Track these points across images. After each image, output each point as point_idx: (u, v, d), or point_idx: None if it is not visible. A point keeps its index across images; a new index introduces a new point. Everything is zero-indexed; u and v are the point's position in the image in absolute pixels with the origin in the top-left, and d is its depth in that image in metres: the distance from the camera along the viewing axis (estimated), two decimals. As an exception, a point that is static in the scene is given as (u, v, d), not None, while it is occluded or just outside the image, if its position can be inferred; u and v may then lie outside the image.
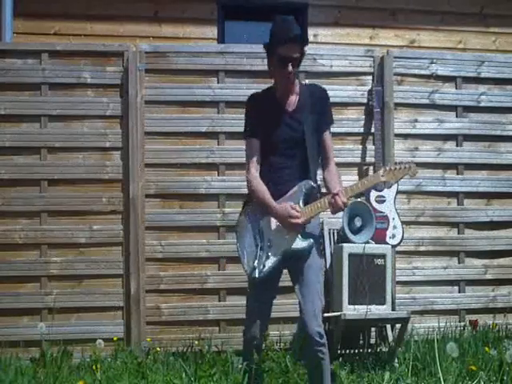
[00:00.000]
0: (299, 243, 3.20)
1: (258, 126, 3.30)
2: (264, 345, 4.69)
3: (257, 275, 3.18)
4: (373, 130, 5.04)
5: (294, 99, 3.29)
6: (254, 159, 3.33)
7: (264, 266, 3.19)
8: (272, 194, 3.22)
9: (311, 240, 3.20)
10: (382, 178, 3.22)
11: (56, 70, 4.81)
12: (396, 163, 3.28)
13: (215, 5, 5.81)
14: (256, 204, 3.29)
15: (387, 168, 3.23)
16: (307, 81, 4.58)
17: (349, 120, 5.09)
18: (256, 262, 3.18)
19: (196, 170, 4.91)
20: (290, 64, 3.16)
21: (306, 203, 3.20)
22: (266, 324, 3.42)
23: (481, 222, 5.21)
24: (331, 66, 5.06)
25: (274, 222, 3.24)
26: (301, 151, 3.24)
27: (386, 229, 4.89)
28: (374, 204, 4.90)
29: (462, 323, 5.05)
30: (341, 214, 4.69)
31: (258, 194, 3.26)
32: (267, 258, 3.20)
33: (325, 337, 3.17)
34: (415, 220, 5.11)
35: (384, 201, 4.93)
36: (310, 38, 5.80)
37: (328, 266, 4.78)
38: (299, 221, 3.15)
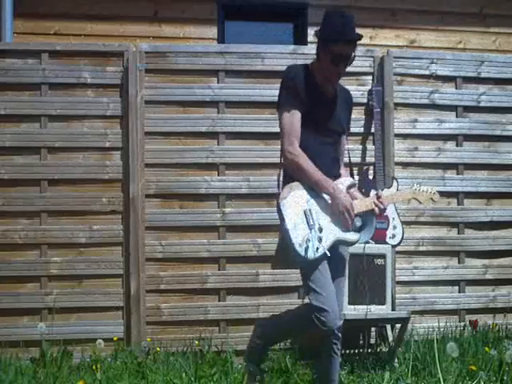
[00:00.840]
0: (351, 236, 3.22)
1: (299, 101, 3.18)
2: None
3: (312, 256, 3.07)
4: (373, 129, 5.04)
5: (331, 89, 3.32)
6: (297, 133, 3.17)
7: (318, 248, 3.09)
8: None
9: (359, 234, 3.25)
10: (414, 194, 3.50)
11: (56, 69, 4.81)
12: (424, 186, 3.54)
13: (215, 5, 5.81)
14: (302, 182, 3.18)
15: (417, 187, 3.51)
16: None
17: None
18: (308, 243, 3.07)
19: (196, 170, 4.91)
20: (343, 63, 3.21)
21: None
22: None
23: (481, 221, 5.21)
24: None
25: (326, 205, 3.18)
26: (336, 140, 3.32)
27: (386, 229, 4.89)
28: (374, 204, 4.89)
29: (462, 323, 5.05)
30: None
31: (312, 173, 3.15)
32: (320, 240, 3.10)
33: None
34: (415, 220, 5.11)
35: (384, 201, 4.93)
36: (310, 38, 5.83)
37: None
38: (351, 221, 3.18)
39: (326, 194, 3.18)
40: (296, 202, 3.14)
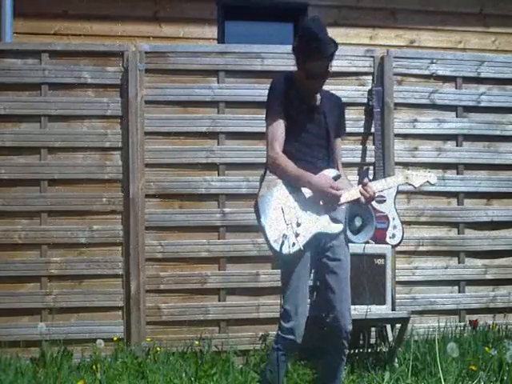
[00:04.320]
0: (332, 226, 3.17)
1: (284, 108, 3.20)
2: (264, 345, 4.73)
3: (287, 251, 3.03)
4: (373, 130, 5.04)
5: (316, 96, 3.32)
6: (280, 138, 3.18)
7: (294, 244, 3.04)
8: None
9: (341, 225, 3.20)
10: (407, 179, 3.32)
11: (56, 69, 4.81)
12: (418, 170, 3.42)
13: (215, 5, 5.81)
14: (282, 180, 3.16)
15: (410, 172, 3.35)
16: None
17: (349, 120, 5.04)
18: (285, 239, 3.03)
19: (196, 170, 4.91)
20: (321, 79, 3.21)
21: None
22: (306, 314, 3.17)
23: (481, 221, 5.21)
24: (331, 66, 5.04)
25: (305, 200, 3.14)
26: (324, 145, 3.29)
27: (386, 229, 4.89)
28: (374, 204, 4.89)
29: (462, 323, 5.05)
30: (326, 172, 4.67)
31: (290, 170, 3.13)
32: (297, 235, 3.07)
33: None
34: (415, 220, 5.11)
35: (384, 201, 4.93)
36: (310, 38, 5.82)
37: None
38: (340, 193, 3.12)
39: (305, 185, 3.14)
40: (274, 198, 3.12)
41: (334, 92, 3.47)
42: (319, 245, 3.18)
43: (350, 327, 3.17)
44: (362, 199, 3.18)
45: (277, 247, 3.04)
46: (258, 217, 3.12)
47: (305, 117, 3.26)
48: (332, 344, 3.20)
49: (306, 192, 3.16)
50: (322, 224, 3.15)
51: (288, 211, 3.10)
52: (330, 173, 3.23)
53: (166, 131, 4.90)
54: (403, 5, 5.99)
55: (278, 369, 3.12)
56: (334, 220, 3.18)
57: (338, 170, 3.34)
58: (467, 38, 6.09)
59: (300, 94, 3.25)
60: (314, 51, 3.11)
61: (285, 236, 3.04)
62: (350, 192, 3.20)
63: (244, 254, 4.88)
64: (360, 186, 3.20)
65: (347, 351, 3.24)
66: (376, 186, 3.23)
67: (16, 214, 4.74)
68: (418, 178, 3.32)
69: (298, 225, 3.08)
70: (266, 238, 3.07)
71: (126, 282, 4.77)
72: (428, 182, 3.34)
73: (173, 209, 4.88)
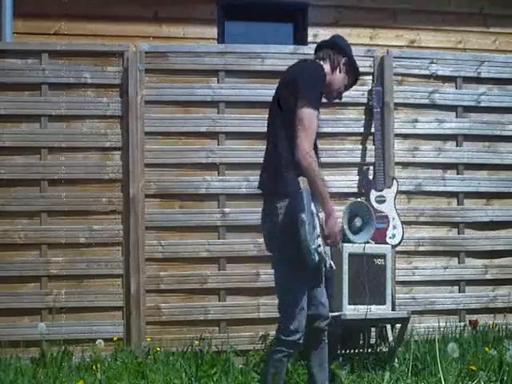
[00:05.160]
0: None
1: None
2: (264, 345, 4.73)
3: (316, 258, 3.01)
4: (373, 129, 5.04)
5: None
6: (314, 136, 3.10)
7: (319, 253, 3.04)
8: None
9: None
10: None
11: (56, 69, 4.81)
12: None
13: (215, 5, 5.80)
14: (309, 185, 3.08)
15: None
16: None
17: (349, 120, 5.09)
18: (313, 245, 2.99)
19: (196, 170, 4.91)
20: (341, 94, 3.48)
21: None
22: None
23: (481, 221, 5.21)
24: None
25: (316, 218, 3.11)
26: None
27: (386, 229, 4.90)
28: (374, 204, 4.90)
29: (462, 323, 5.06)
30: (340, 213, 4.70)
31: (321, 183, 3.06)
32: (319, 246, 3.05)
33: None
34: (415, 220, 5.11)
35: (384, 201, 4.93)
36: (310, 38, 5.82)
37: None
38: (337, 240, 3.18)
39: (324, 210, 3.12)
40: (307, 198, 3.03)
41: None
42: None
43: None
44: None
45: (312, 250, 2.99)
46: (301, 209, 2.98)
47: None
48: (313, 334, 3.29)
49: (315, 210, 3.10)
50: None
51: (313, 217, 3.05)
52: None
53: (166, 131, 4.90)
54: (403, 5, 5.99)
55: (281, 369, 3.15)
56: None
57: None
58: (467, 38, 6.09)
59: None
60: (357, 77, 3.50)
61: (313, 241, 3.00)
62: None
63: (244, 254, 4.88)
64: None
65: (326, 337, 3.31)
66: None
67: (16, 214, 4.74)
68: None
69: (318, 236, 3.06)
70: (305, 238, 2.97)
71: (125, 282, 4.77)
72: None
73: (173, 209, 4.88)
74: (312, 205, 3.05)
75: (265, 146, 3.33)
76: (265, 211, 3.26)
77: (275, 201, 3.14)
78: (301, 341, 3.14)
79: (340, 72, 3.38)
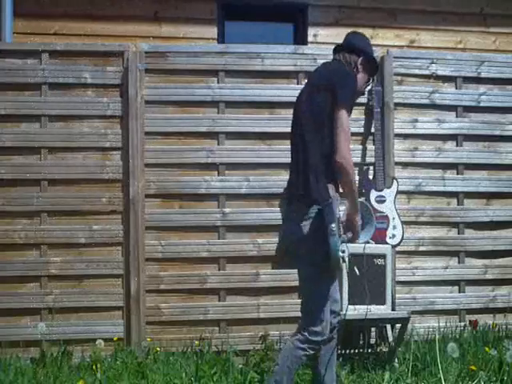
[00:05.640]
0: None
1: None
2: (264, 345, 4.73)
3: (341, 263, 3.14)
4: (373, 129, 5.04)
5: None
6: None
7: (343, 258, 3.13)
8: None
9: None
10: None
11: (56, 69, 4.82)
12: None
13: (215, 5, 5.80)
14: (343, 191, 3.22)
15: None
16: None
17: (349, 120, 5.08)
18: (340, 253, 3.10)
19: (196, 170, 4.91)
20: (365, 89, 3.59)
21: None
22: None
23: (481, 221, 5.21)
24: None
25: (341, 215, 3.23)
26: None
27: (386, 229, 4.90)
28: (374, 204, 4.90)
29: (462, 323, 5.05)
30: (340, 213, 4.70)
31: (355, 187, 3.21)
32: (343, 251, 3.14)
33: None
34: (415, 220, 5.11)
35: (384, 201, 4.93)
36: (310, 38, 5.82)
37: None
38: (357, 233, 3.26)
39: (352, 209, 3.22)
40: (336, 207, 3.14)
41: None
42: None
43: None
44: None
45: (339, 256, 3.10)
46: (331, 219, 3.09)
47: None
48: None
49: (341, 210, 3.23)
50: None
51: (339, 224, 3.15)
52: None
53: (166, 131, 4.89)
54: (403, 5, 5.99)
55: (298, 367, 3.32)
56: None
57: None
58: (467, 38, 6.09)
59: None
60: (375, 61, 3.53)
61: (341, 242, 3.11)
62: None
63: (244, 253, 4.88)
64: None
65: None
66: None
67: (16, 214, 4.74)
68: None
69: (343, 240, 3.17)
70: (332, 244, 3.08)
71: (125, 282, 4.77)
72: None
73: (173, 209, 4.88)
74: (338, 211, 3.15)
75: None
76: (291, 214, 3.30)
77: (306, 205, 3.20)
78: (323, 343, 3.24)
79: (359, 72, 3.42)
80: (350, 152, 3.17)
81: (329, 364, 3.34)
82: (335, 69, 3.35)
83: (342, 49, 3.48)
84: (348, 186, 3.18)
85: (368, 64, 3.46)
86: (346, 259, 3.13)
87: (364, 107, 5.08)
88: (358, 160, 5.05)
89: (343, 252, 3.10)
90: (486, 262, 5.20)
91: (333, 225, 3.06)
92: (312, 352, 3.23)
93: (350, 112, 3.23)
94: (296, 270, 3.39)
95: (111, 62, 4.87)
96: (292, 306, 4.71)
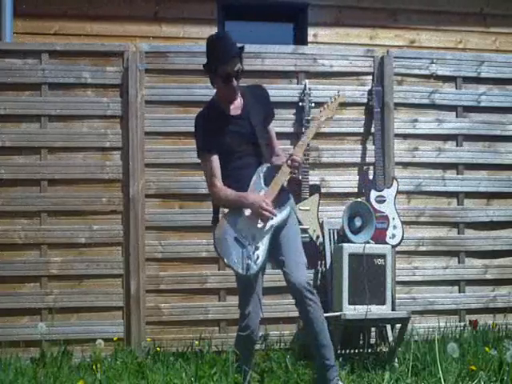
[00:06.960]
0: (279, 216, 3.34)
1: (211, 141, 3.38)
2: (264, 345, 4.73)
3: (255, 269, 3.27)
4: (373, 129, 5.04)
5: (238, 103, 3.45)
6: (217, 173, 3.39)
7: (258, 258, 3.27)
8: None
9: (288, 208, 3.39)
10: (322, 118, 3.54)
11: (56, 69, 4.82)
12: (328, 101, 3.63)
13: (215, 5, 5.81)
14: (230, 210, 3.39)
15: (321, 108, 3.59)
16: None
17: (349, 120, 5.09)
18: (248, 260, 3.25)
19: (196, 170, 4.88)
20: (233, 79, 3.33)
21: (268, 184, 3.36)
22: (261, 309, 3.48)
23: (481, 221, 5.21)
24: (331, 66, 5.06)
25: (248, 215, 3.32)
26: (255, 148, 3.40)
27: (386, 229, 4.90)
28: (374, 204, 4.90)
29: (462, 323, 5.06)
30: (340, 213, 4.71)
31: (230, 197, 3.36)
32: (256, 249, 3.29)
33: (314, 290, 3.38)
34: (415, 220, 5.11)
35: (384, 201, 4.93)
36: (310, 38, 5.82)
37: (328, 266, 4.78)
38: (269, 211, 3.27)
39: (243, 207, 3.32)
40: (226, 234, 3.29)
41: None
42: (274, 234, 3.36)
43: (304, 281, 3.33)
44: (293, 171, 3.36)
45: (244, 270, 3.26)
46: (221, 258, 3.33)
47: (230, 133, 3.38)
48: (295, 299, 3.39)
49: (246, 211, 3.33)
50: (271, 224, 3.31)
51: (242, 234, 3.29)
52: (258, 174, 3.37)
53: (166, 131, 4.90)
54: (403, 5, 5.99)
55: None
56: (280, 207, 3.35)
57: (275, 152, 3.52)
58: (467, 38, 6.09)
59: (224, 110, 3.42)
60: (222, 52, 3.31)
61: (247, 256, 3.27)
62: (277, 177, 3.34)
63: (244, 254, 4.87)
64: (286, 159, 3.34)
65: (316, 306, 3.36)
66: (298, 151, 3.37)
67: (16, 214, 4.74)
68: (330, 107, 3.57)
69: (254, 239, 3.30)
70: (233, 267, 3.28)
71: (125, 282, 4.77)
72: (341, 101, 3.59)
73: (173, 209, 4.88)
74: (238, 222, 3.37)
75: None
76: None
77: None
78: (252, 337, 3.51)
79: (215, 86, 3.44)
80: (214, 187, 3.37)
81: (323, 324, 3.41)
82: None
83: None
84: (229, 207, 3.41)
85: (215, 76, 3.40)
86: None
87: (364, 107, 5.08)
88: (358, 160, 5.06)
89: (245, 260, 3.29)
90: (486, 261, 5.20)
91: None
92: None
93: (203, 154, 3.45)
94: None
95: (111, 62, 4.87)
96: (292, 305, 4.70)
